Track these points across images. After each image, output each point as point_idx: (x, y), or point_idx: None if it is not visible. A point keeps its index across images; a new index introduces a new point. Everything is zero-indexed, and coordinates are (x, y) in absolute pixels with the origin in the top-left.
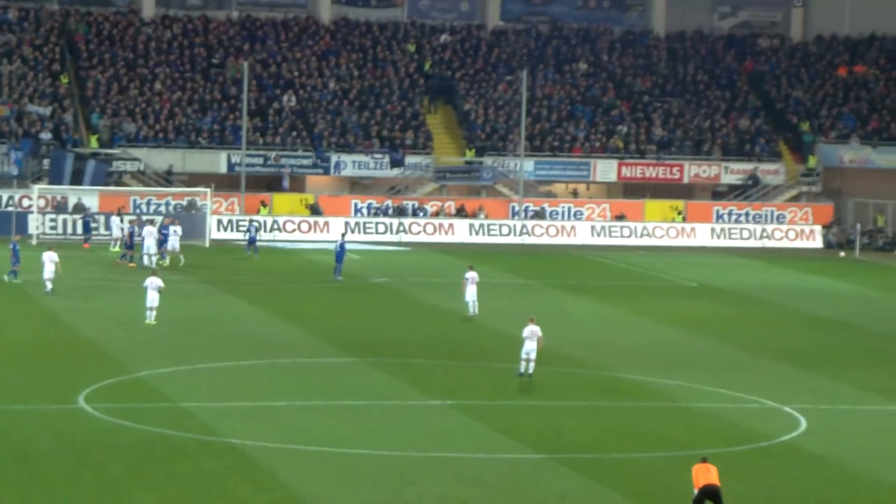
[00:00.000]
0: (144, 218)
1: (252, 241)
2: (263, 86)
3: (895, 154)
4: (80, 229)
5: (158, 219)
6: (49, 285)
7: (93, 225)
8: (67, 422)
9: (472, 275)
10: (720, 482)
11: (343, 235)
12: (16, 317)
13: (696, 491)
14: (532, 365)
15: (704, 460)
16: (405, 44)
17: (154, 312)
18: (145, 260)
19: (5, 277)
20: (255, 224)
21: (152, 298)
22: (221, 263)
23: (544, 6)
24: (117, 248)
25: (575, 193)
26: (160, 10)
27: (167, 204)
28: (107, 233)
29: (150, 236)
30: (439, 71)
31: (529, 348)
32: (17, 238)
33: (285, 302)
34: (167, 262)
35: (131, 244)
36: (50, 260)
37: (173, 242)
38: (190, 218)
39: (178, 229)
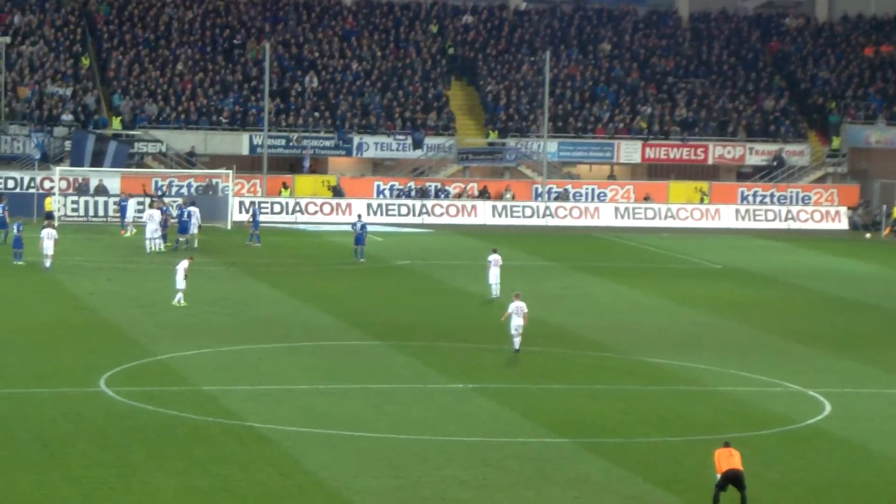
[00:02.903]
0: (166, 201)
1: (256, 225)
2: (285, 67)
3: None
4: (102, 211)
5: (166, 202)
6: (47, 262)
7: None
8: (89, 405)
9: (495, 257)
10: (743, 466)
11: (360, 217)
12: (38, 299)
13: (718, 475)
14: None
15: (727, 445)
16: (427, 24)
17: (182, 294)
18: (148, 245)
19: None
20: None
21: (181, 280)
22: (244, 245)
23: None
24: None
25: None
26: None
27: (188, 186)
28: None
29: (151, 220)
30: (461, 52)
31: (518, 324)
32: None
33: (307, 284)
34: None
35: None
36: (48, 237)
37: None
38: (211, 200)
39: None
